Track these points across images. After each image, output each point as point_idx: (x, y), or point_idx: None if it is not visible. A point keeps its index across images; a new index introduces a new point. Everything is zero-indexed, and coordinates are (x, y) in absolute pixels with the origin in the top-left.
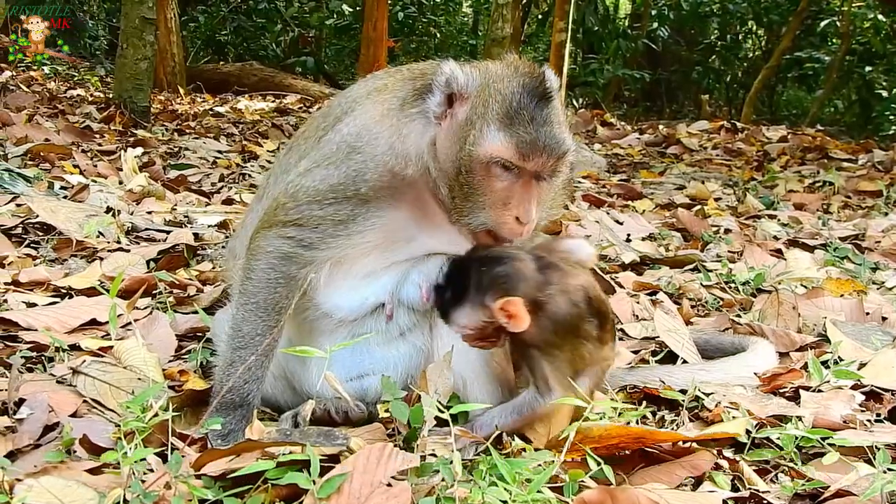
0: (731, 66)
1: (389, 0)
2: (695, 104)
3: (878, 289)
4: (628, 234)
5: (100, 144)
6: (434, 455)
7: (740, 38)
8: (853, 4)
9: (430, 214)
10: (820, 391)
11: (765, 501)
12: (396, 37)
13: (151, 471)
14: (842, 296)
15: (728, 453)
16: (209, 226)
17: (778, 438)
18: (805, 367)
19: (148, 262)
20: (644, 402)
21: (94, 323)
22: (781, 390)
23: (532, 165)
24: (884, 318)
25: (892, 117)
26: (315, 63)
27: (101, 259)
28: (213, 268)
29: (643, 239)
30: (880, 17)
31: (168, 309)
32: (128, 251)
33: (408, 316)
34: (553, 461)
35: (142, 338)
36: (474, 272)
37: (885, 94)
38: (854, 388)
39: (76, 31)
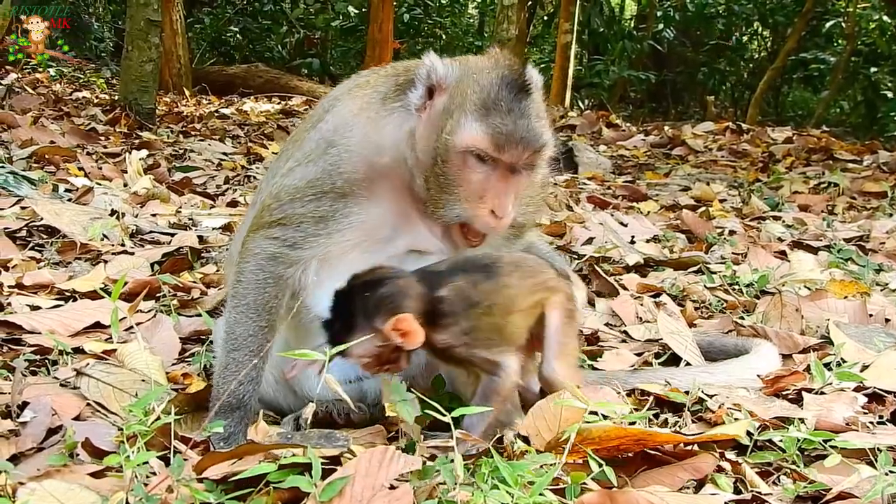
0: (737, 67)
1: (395, 1)
2: (700, 105)
3: (881, 290)
4: (632, 236)
5: (105, 147)
6: (435, 457)
7: (746, 39)
8: (858, 5)
9: (408, 211)
10: (822, 393)
11: None
12: (402, 38)
13: (154, 474)
14: (845, 298)
15: (730, 455)
16: (213, 228)
17: (780, 441)
18: (808, 369)
19: (152, 265)
20: (648, 405)
21: (97, 326)
22: (784, 392)
23: (507, 157)
24: (887, 320)
25: None
26: (321, 64)
27: (106, 262)
28: (217, 270)
29: (647, 241)
30: (886, 18)
31: (172, 312)
32: (132, 254)
33: None
34: (555, 463)
35: (145, 341)
36: (359, 300)
37: (890, 94)
38: (857, 390)
39: (81, 33)
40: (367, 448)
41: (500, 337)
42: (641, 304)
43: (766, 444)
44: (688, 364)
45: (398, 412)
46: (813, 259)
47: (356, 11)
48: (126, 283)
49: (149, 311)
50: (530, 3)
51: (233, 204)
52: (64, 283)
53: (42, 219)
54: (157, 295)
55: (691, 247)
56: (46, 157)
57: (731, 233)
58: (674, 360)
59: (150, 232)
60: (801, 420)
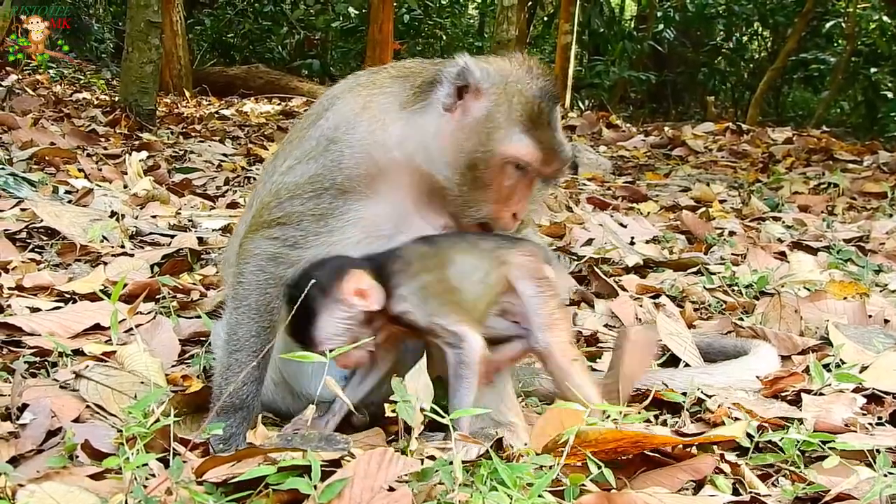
0: (737, 67)
1: (395, 2)
2: (700, 106)
3: (880, 291)
4: (632, 237)
5: (105, 148)
6: (433, 459)
7: (746, 39)
8: (859, 6)
9: (408, 209)
10: (821, 394)
11: None
12: (402, 39)
13: (153, 476)
14: (844, 299)
15: (729, 457)
16: (213, 230)
17: (780, 442)
18: (807, 370)
19: (152, 267)
20: (647, 406)
21: (97, 328)
22: (783, 394)
23: (548, 170)
24: (886, 321)
25: None
26: (321, 65)
27: (106, 264)
28: (217, 272)
29: (647, 242)
30: (886, 18)
31: (171, 313)
32: (132, 255)
33: None
34: (553, 465)
35: (145, 343)
36: (310, 284)
37: (890, 95)
38: (856, 391)
39: (81, 35)
40: (366, 450)
41: (458, 308)
42: (641, 306)
43: (765, 446)
44: (687, 365)
45: (398, 413)
46: (812, 260)
47: (356, 12)
48: (126, 285)
49: (148, 312)
50: (530, 3)
51: (233, 205)
52: (64, 284)
53: (42, 220)
54: (157, 297)
55: (691, 248)
56: (46, 158)
57: (731, 234)
58: (673, 361)
59: (150, 233)
60: (800, 421)
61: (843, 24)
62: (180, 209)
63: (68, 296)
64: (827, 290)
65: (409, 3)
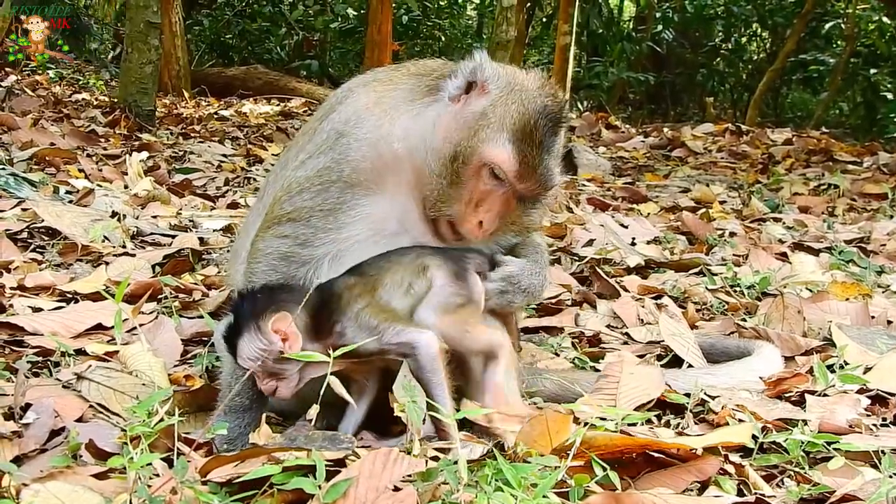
0: (736, 68)
1: (394, 3)
2: (699, 107)
3: (883, 292)
4: (633, 238)
5: (105, 148)
6: (438, 459)
7: (745, 40)
8: (858, 7)
9: (412, 208)
10: (825, 395)
11: None
12: (401, 40)
13: (157, 476)
14: (847, 299)
15: (734, 458)
16: (214, 230)
17: (785, 442)
18: (810, 371)
19: (153, 267)
20: (649, 406)
21: (99, 328)
22: (787, 394)
23: (521, 187)
24: (889, 322)
25: None
26: (319, 66)
27: (107, 264)
28: (219, 272)
29: (648, 242)
30: (885, 19)
31: (174, 313)
32: (133, 256)
33: None
34: (558, 466)
35: (147, 343)
36: (253, 301)
37: (889, 96)
38: (860, 392)
39: (81, 35)
40: (371, 450)
41: (396, 317)
42: (643, 306)
43: (769, 447)
44: (690, 366)
45: (406, 413)
46: (814, 261)
47: (355, 13)
48: (128, 285)
49: (150, 312)
50: (529, 4)
51: (233, 206)
52: (65, 284)
53: (43, 220)
54: (159, 297)
55: (692, 248)
56: (47, 158)
57: (732, 234)
58: (676, 361)
59: (151, 234)
60: (805, 422)
61: (843, 25)
62: (181, 209)
63: (70, 296)
64: (829, 291)
65: (407, 4)
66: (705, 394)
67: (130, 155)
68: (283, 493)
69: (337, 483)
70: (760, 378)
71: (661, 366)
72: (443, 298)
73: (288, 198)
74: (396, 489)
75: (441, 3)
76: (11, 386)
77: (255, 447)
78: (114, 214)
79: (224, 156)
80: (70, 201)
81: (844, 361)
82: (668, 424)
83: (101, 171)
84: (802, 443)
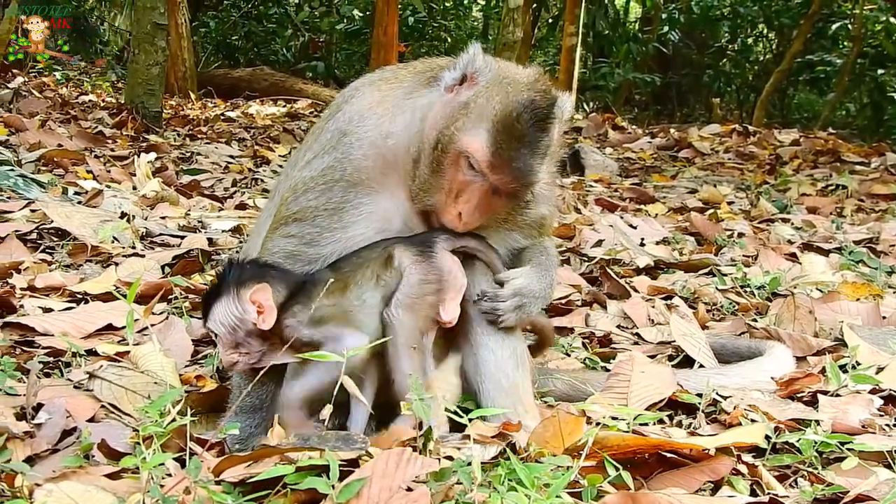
0: (742, 69)
1: (400, 5)
2: (706, 108)
3: (894, 292)
4: (642, 239)
5: (112, 150)
6: (451, 459)
7: (751, 41)
8: (865, 7)
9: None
10: (838, 395)
11: None
12: (407, 41)
13: (169, 476)
14: (858, 300)
15: (747, 458)
16: (223, 231)
17: (798, 442)
18: (822, 371)
19: (163, 268)
20: (661, 406)
21: (110, 328)
22: (799, 395)
23: (494, 178)
24: None
25: None
26: (325, 68)
27: (117, 264)
28: None
29: (657, 243)
30: (892, 19)
31: (184, 314)
32: (143, 256)
33: None
34: (571, 466)
35: (158, 343)
36: (241, 268)
37: None
38: (872, 392)
39: (88, 37)
40: (384, 450)
41: (346, 320)
42: (653, 307)
43: (782, 447)
44: (701, 366)
45: (414, 411)
46: (824, 261)
47: (361, 15)
48: (138, 286)
49: (160, 313)
50: (535, 5)
51: (241, 206)
52: (75, 285)
53: (52, 221)
54: (169, 297)
55: (701, 249)
56: (55, 160)
57: (741, 235)
58: (687, 362)
59: (160, 234)
60: (817, 422)
61: (849, 26)
62: (189, 210)
63: (80, 296)
64: (840, 291)
65: (413, 5)
66: (717, 394)
67: (138, 156)
68: (297, 492)
69: (350, 483)
70: (772, 378)
71: (673, 366)
72: (410, 290)
73: (294, 198)
74: (409, 489)
75: (447, 4)
76: (23, 386)
77: (268, 447)
78: (123, 215)
79: (231, 157)
80: (79, 202)
81: (856, 362)
82: (680, 424)
83: (109, 172)
84: (815, 443)
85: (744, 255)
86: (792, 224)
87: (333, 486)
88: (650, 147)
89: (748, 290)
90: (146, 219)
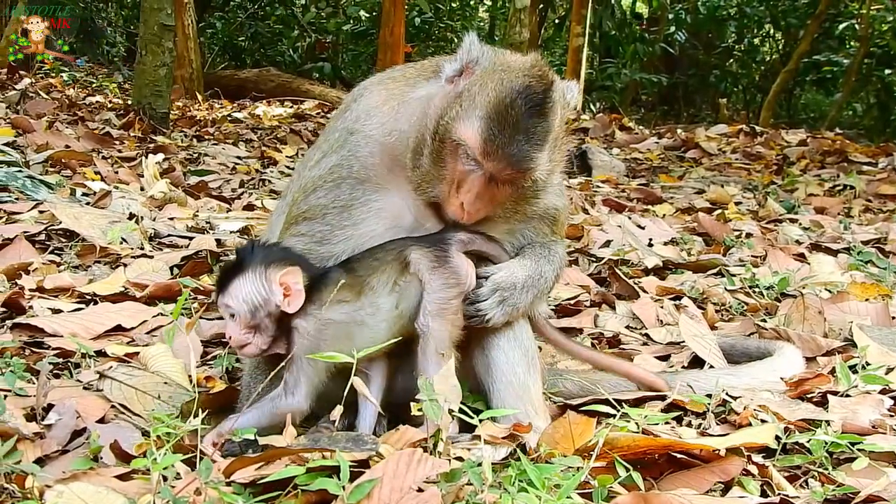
0: (749, 69)
1: (406, 5)
2: (712, 108)
3: None
4: (650, 239)
5: (120, 151)
6: (461, 459)
7: (758, 41)
8: (872, 7)
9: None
10: (848, 396)
11: None
12: (413, 42)
13: (179, 477)
14: (867, 300)
15: (757, 459)
16: (231, 232)
17: (808, 442)
18: (832, 371)
19: (172, 269)
20: (671, 407)
21: (119, 329)
22: (809, 395)
23: (489, 167)
24: None
25: None
26: (332, 68)
27: (125, 265)
28: None
29: (665, 243)
30: None
31: (193, 315)
32: (151, 257)
33: None
34: (581, 467)
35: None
36: (263, 250)
37: None
38: (882, 392)
39: (94, 38)
40: (395, 450)
41: (319, 373)
42: (662, 307)
43: (792, 447)
44: (711, 366)
45: (424, 412)
46: (833, 261)
47: (367, 15)
48: (147, 287)
49: (169, 313)
50: (541, 6)
51: (249, 207)
52: (84, 286)
53: (61, 223)
54: (178, 298)
55: (709, 249)
56: (62, 161)
57: (749, 235)
58: (697, 362)
59: (168, 235)
60: (828, 423)
61: (856, 26)
62: (197, 211)
63: (89, 297)
64: (849, 292)
65: (420, 6)
66: (727, 394)
67: (146, 157)
68: (307, 493)
69: (361, 484)
70: (782, 379)
71: (683, 367)
72: (435, 297)
73: (303, 197)
74: (420, 490)
75: (453, 4)
76: (33, 387)
77: (279, 448)
78: (131, 216)
79: (238, 158)
80: (87, 203)
81: (866, 362)
82: (690, 425)
83: (116, 173)
84: (826, 443)
85: (752, 256)
86: (800, 224)
87: (344, 487)
88: (657, 147)
89: (757, 290)
90: (154, 220)
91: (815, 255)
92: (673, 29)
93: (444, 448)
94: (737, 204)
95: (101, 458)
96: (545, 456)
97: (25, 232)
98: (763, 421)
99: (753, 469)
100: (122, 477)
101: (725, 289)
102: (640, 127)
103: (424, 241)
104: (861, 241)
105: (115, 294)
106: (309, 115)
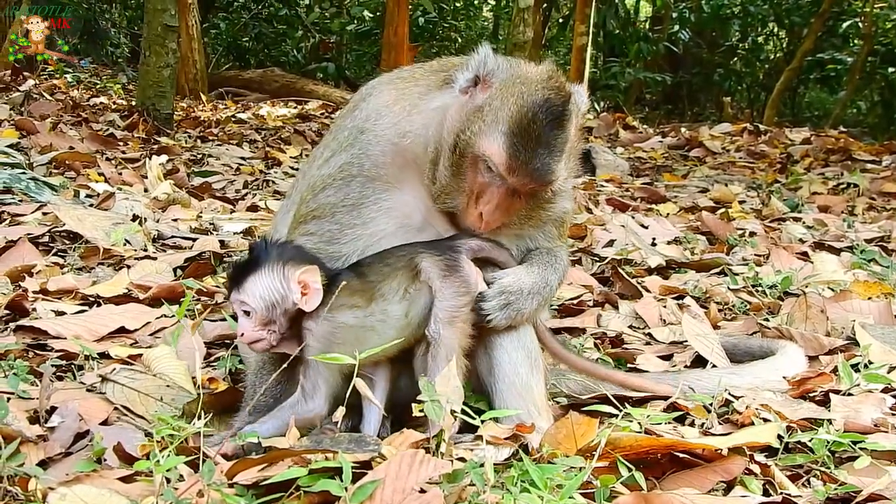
0: (753, 68)
1: (410, 5)
2: (716, 107)
3: None
4: (653, 238)
5: (124, 152)
6: (464, 460)
7: (761, 40)
8: (875, 5)
9: (432, 200)
10: (850, 395)
11: None
12: (417, 42)
13: (182, 479)
14: (870, 298)
15: (759, 458)
16: (235, 233)
17: (811, 441)
18: (835, 370)
19: (175, 270)
20: (674, 407)
21: (122, 331)
22: (811, 394)
23: (513, 181)
24: None
25: None
26: (336, 69)
27: (129, 267)
28: None
29: (668, 243)
30: None
31: (196, 316)
32: (155, 259)
33: None
34: (584, 467)
35: (170, 346)
36: (279, 248)
37: None
38: (884, 391)
39: (98, 39)
40: (397, 451)
41: (336, 374)
42: (665, 307)
43: (794, 446)
44: (714, 366)
45: (426, 412)
46: (836, 260)
47: (371, 15)
48: (151, 288)
49: (172, 315)
50: (545, 5)
51: (253, 208)
52: (88, 288)
53: (64, 224)
54: (181, 300)
55: (712, 248)
56: (66, 162)
57: (752, 234)
58: (699, 361)
59: (172, 237)
60: (830, 422)
61: (860, 24)
62: (201, 213)
63: (92, 299)
64: (851, 291)
65: (423, 5)
66: (729, 394)
67: (150, 158)
68: (310, 495)
69: (363, 485)
70: (784, 378)
71: (685, 366)
72: (448, 305)
73: (312, 196)
74: (422, 491)
75: (457, 4)
76: (36, 389)
77: (281, 449)
78: (135, 218)
79: (242, 158)
80: (90, 205)
81: (869, 361)
82: (692, 424)
83: (120, 174)
84: (828, 442)
85: (755, 255)
86: (803, 223)
87: (347, 489)
88: (661, 146)
89: (760, 289)
90: (158, 221)
91: (818, 253)
92: (677, 28)
93: (447, 449)
94: (740, 202)
95: (105, 460)
96: (547, 456)
97: (29, 234)
98: (765, 420)
99: (756, 468)
100: (125, 479)
101: (728, 288)
102: (644, 126)
103: (435, 248)
104: (864, 240)
105: (119, 296)
106: (313, 115)
